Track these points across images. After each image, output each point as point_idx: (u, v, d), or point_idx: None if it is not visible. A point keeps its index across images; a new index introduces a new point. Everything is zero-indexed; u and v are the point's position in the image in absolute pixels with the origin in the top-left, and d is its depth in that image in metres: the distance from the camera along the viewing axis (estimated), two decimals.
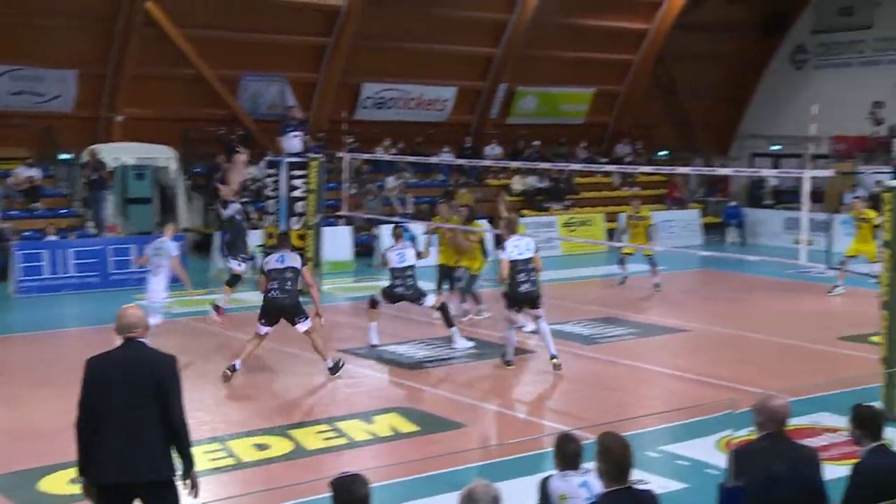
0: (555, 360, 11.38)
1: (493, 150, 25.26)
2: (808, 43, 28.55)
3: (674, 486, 7.69)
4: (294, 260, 11.29)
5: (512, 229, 11.70)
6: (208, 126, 22.38)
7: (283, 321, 11.13)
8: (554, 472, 5.13)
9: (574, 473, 5.09)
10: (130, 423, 5.30)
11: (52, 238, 17.86)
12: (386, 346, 12.75)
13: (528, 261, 11.29)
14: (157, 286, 12.72)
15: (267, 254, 12.65)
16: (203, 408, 9.91)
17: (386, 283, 12.93)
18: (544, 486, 5.13)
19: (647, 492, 4.89)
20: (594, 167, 19.97)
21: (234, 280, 15.00)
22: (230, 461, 8.34)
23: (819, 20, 28.27)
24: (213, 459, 8.37)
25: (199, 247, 20.73)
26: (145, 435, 5.30)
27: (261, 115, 22.78)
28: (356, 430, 9.28)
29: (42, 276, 16.77)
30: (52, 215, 19.13)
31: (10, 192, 19.27)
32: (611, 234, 24.08)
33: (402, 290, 12.53)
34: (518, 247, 11.31)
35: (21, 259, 16.70)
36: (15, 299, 16.38)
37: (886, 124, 26.48)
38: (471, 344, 12.64)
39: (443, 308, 12.71)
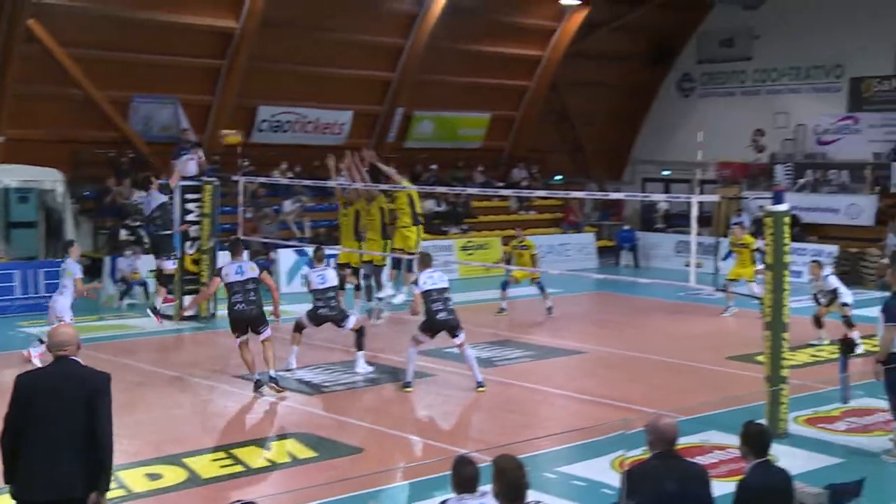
0: (481, 389, 11.64)
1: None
2: (694, 72, 29.60)
3: None
4: (252, 269, 11.62)
5: (427, 263, 12.03)
6: (98, 148, 21.82)
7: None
8: (451, 495, 5.16)
9: (470, 497, 5.11)
10: (56, 439, 5.30)
11: None
12: (283, 372, 12.61)
13: (442, 290, 11.69)
14: (63, 305, 12.55)
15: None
16: None
17: (308, 306, 12.87)
18: None
19: None
20: (491, 191, 20.22)
21: (166, 279, 14.93)
22: (121, 492, 8.09)
23: (702, 51, 29.37)
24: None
25: (88, 272, 20.12)
26: (71, 452, 5.28)
27: (153, 138, 22.33)
28: (253, 456, 9.14)
29: None
30: None
31: None
32: (508, 257, 24.38)
33: (326, 312, 12.58)
34: (432, 278, 11.74)
35: None
36: None
37: (767, 152, 27.60)
38: (371, 369, 12.66)
39: (360, 331, 12.76)
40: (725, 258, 18.73)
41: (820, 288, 14.74)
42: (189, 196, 16.61)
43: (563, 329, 16.19)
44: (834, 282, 14.58)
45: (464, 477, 5.15)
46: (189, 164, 17.00)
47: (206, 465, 8.83)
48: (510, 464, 4.90)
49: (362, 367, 12.59)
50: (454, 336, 11.68)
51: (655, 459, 5.38)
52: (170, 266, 15.59)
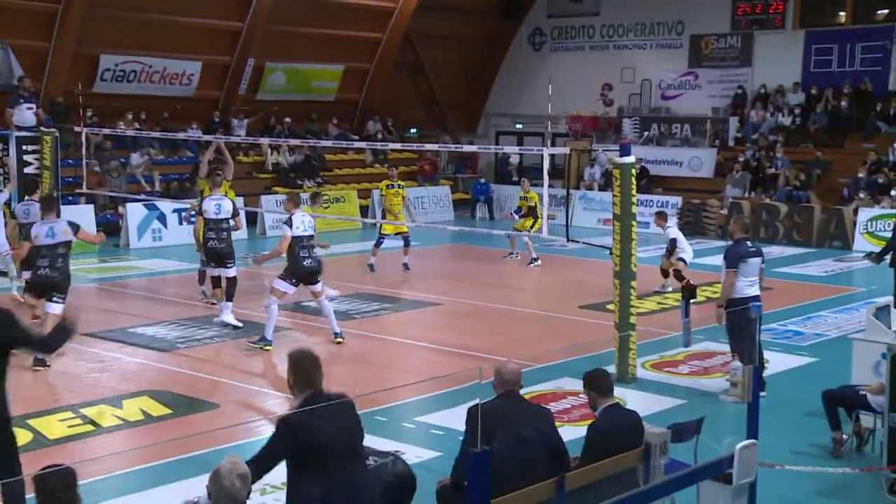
0: (339, 339, 11.59)
1: (241, 123, 24.75)
2: (545, 26, 30.05)
3: (428, 454, 7.93)
4: (65, 232, 10.46)
5: (296, 203, 11.72)
6: None
7: None
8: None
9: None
10: None
11: None
12: (135, 328, 12.25)
13: (310, 237, 11.43)
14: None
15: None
16: None
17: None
18: None
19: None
20: (345, 144, 20.05)
21: None
22: None
23: (552, 5, 29.86)
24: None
25: None
26: None
27: None
28: (103, 415, 8.87)
29: None
30: None
31: None
32: (364, 210, 24.31)
33: (215, 244, 12.25)
34: (304, 222, 11.40)
35: None
36: None
37: (616, 105, 28.39)
38: (238, 323, 12.29)
39: (233, 280, 12.49)
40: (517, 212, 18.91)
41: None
42: (27, 147, 15.78)
43: (420, 282, 16.31)
44: (673, 233, 15.12)
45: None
46: (27, 113, 16.14)
47: (53, 426, 8.51)
48: (304, 354, 5.10)
49: (228, 318, 12.25)
50: (313, 284, 11.50)
51: (499, 399, 5.53)
52: None
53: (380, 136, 26.85)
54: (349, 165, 26.51)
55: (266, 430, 8.40)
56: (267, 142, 21.97)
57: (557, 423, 5.72)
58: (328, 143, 19.79)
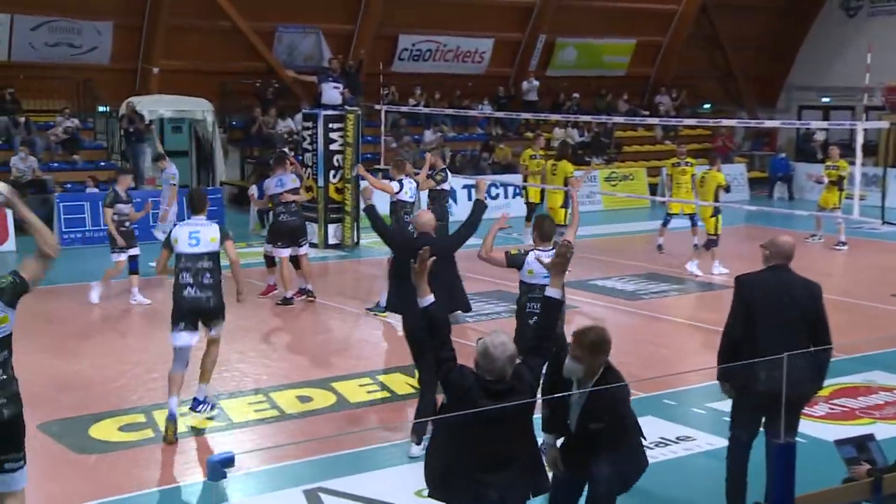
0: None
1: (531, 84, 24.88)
2: None
3: (720, 441, 7.66)
4: (293, 181, 12.51)
5: (401, 169, 12.21)
6: (245, 79, 22.40)
7: None
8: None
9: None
10: None
11: (93, 190, 18.04)
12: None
13: (412, 204, 11.97)
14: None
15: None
16: (246, 360, 10.04)
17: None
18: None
19: None
20: (636, 120, 19.75)
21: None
22: (274, 412, 8.44)
23: None
24: (258, 410, 8.48)
25: (237, 200, 20.86)
26: None
27: (297, 68, 22.73)
28: (398, 383, 9.33)
29: (84, 228, 17.02)
30: (92, 167, 19.35)
31: (51, 143, 19.53)
32: (653, 189, 23.86)
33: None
34: (412, 188, 11.97)
35: (63, 211, 16.94)
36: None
37: None
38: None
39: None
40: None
41: None
42: (333, 125, 16.84)
43: (711, 262, 15.77)
44: None
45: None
46: (333, 91, 17.18)
47: (353, 390, 9.07)
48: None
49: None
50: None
51: (768, 271, 5.99)
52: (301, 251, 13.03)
53: (671, 112, 26.21)
54: (638, 142, 26.11)
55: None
56: (555, 118, 22.09)
57: (868, 421, 5.34)
58: (619, 120, 19.60)
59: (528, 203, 17.58)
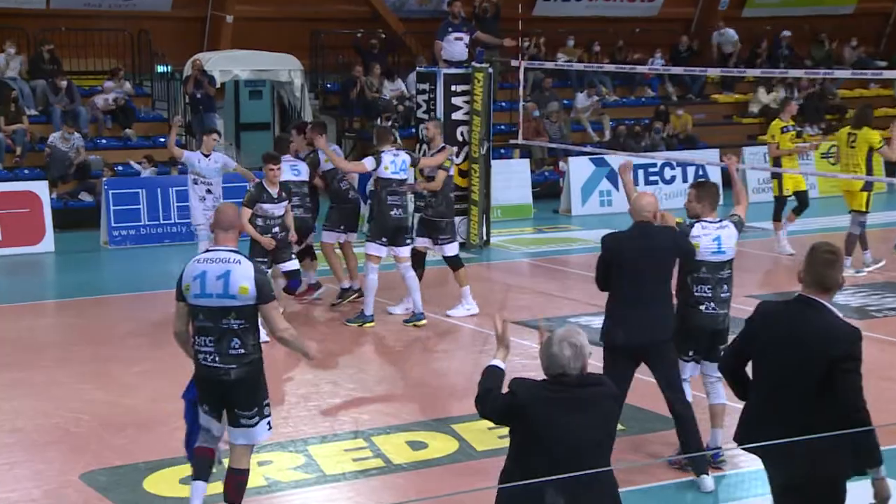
0: (419, 323, 12.40)
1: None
2: None
3: None
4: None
5: (387, 138, 12.77)
6: (342, 28, 22.74)
7: None
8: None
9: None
10: None
11: (148, 174, 18.53)
12: (578, 318, 12.75)
13: (401, 182, 12.48)
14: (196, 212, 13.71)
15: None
16: (342, 395, 10.22)
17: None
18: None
19: None
20: (869, 74, 19.21)
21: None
22: (377, 462, 8.55)
23: None
24: (357, 460, 8.62)
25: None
26: None
27: (409, 13, 22.99)
28: None
29: (138, 223, 17.52)
30: (149, 145, 19.92)
31: (98, 114, 20.13)
32: (891, 168, 23.14)
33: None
34: (394, 163, 12.28)
35: (113, 200, 17.38)
36: (107, 252, 17.22)
37: None
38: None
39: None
40: None
41: None
42: (456, 88, 16.92)
43: None
44: None
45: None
46: (456, 44, 17.27)
47: (480, 435, 9.07)
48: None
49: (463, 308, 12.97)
50: (399, 245, 12.41)
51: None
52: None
53: None
54: (873, 106, 25.34)
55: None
56: (755, 74, 21.70)
57: None
58: (844, 75, 19.05)
59: (779, 197, 16.45)
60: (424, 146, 13.89)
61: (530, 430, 5.27)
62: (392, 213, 12.23)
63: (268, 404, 7.02)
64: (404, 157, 12.50)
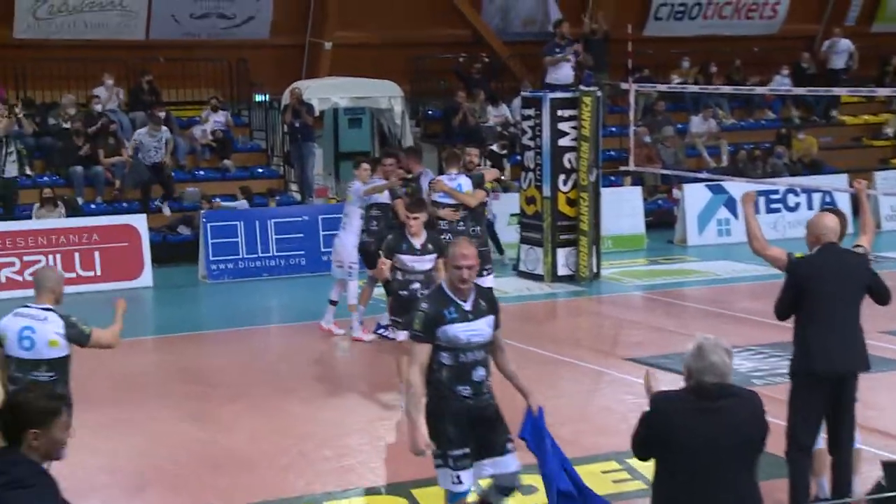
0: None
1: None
2: None
3: None
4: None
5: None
6: (444, 52, 22.90)
7: None
8: None
9: None
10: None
11: (242, 205, 18.75)
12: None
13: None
14: (348, 246, 13.38)
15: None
16: None
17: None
18: None
19: None
20: None
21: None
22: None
23: None
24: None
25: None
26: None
27: (513, 35, 23.07)
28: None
29: (237, 256, 17.79)
30: (246, 176, 20.30)
31: (195, 145, 20.56)
32: None
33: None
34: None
35: (211, 234, 17.69)
36: (206, 286, 17.52)
37: None
38: None
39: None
40: None
41: None
42: (563, 113, 16.93)
43: None
44: None
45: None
46: (562, 66, 17.32)
47: (594, 479, 9.03)
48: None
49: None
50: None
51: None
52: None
53: None
54: None
55: None
56: (886, 94, 21.37)
57: None
58: None
59: None
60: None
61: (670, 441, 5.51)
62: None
63: None
64: (461, 180, 12.92)
